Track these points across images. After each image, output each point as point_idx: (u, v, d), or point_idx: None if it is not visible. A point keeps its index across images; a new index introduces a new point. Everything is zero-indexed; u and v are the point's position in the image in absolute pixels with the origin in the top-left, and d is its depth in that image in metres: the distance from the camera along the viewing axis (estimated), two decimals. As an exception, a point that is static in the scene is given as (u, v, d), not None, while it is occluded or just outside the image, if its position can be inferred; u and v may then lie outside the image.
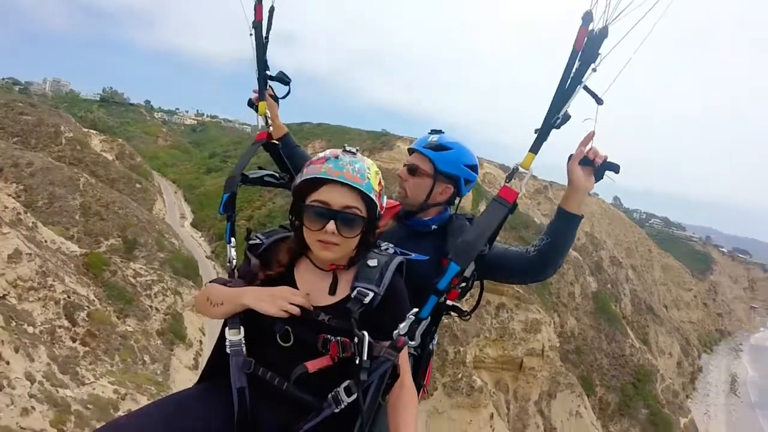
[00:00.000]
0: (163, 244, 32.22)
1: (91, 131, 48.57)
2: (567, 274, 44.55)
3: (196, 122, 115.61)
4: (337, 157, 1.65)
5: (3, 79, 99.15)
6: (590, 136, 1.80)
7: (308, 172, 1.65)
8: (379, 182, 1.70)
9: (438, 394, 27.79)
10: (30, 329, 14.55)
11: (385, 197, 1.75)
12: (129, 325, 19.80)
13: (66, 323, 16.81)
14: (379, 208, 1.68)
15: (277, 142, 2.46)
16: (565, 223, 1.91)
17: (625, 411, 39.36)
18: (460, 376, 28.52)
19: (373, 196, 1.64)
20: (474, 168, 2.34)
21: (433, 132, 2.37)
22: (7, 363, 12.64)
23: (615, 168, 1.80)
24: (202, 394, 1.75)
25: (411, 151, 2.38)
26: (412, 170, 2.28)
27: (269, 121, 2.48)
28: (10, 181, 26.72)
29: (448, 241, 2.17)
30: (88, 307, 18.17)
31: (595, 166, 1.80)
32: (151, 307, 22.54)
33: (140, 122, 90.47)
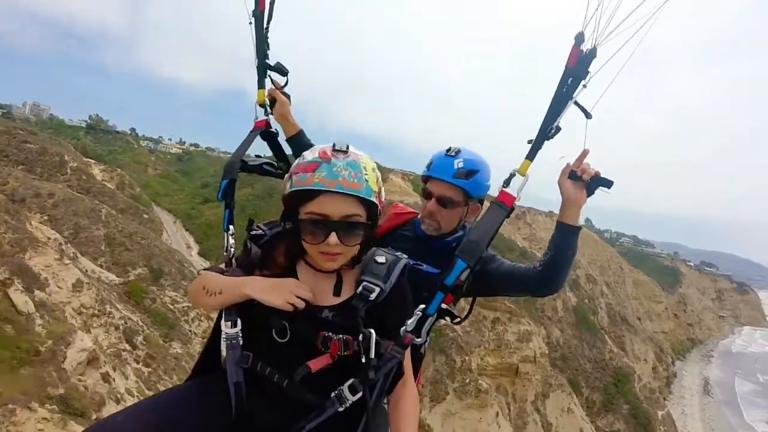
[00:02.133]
0: (184, 273, 35.42)
1: (91, 161, 48.26)
2: (549, 291, 51.01)
3: (181, 151, 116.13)
4: (329, 162, 1.53)
5: None
6: (584, 154, 1.89)
7: (300, 182, 1.54)
8: (377, 179, 1.60)
9: (450, 398, 33.02)
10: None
11: (383, 190, 1.65)
12: (176, 348, 21.24)
13: (128, 347, 18.30)
14: (379, 206, 1.61)
15: (275, 131, 2.48)
16: (562, 235, 1.98)
17: (609, 407, 44.97)
18: (468, 381, 33.91)
19: (373, 198, 1.55)
20: (490, 174, 2.33)
21: (452, 153, 2.26)
22: (114, 380, 16.25)
23: (607, 184, 1.87)
24: (196, 390, 1.68)
25: (428, 178, 2.29)
26: (445, 202, 2.22)
27: (268, 110, 2.47)
28: (34, 211, 26.64)
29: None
30: (142, 331, 19.64)
31: (584, 181, 1.88)
32: (190, 331, 24.45)
33: (128, 151, 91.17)
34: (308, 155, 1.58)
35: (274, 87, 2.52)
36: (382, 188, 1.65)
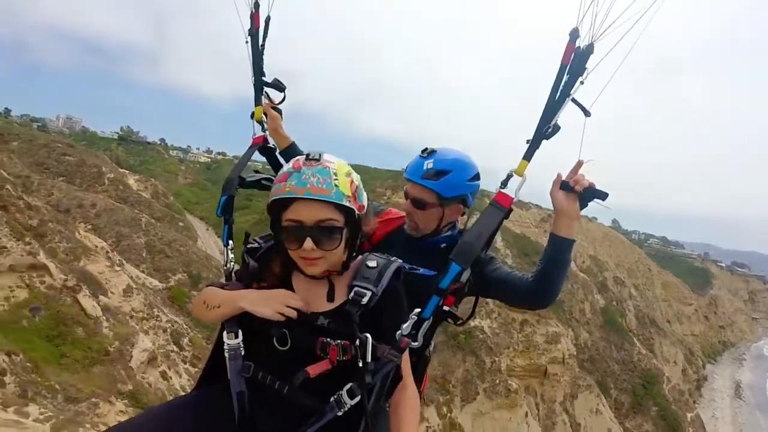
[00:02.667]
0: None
1: (126, 171, 50.15)
2: (577, 293, 51.78)
3: (209, 160, 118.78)
4: (299, 171, 1.61)
5: (20, 116, 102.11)
6: (578, 165, 1.88)
7: (274, 192, 1.64)
8: (352, 182, 1.64)
9: (480, 398, 34.20)
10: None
11: (363, 195, 1.70)
12: (219, 350, 24.66)
13: (175, 348, 19.50)
14: (356, 209, 1.64)
15: (272, 146, 2.54)
16: (554, 247, 1.98)
17: (637, 409, 45.57)
18: (497, 381, 35.07)
19: (345, 202, 1.59)
20: (476, 176, 2.30)
21: (425, 154, 2.28)
22: (170, 378, 17.26)
23: (602, 196, 1.86)
24: (200, 400, 1.75)
25: (406, 179, 2.30)
26: (417, 204, 2.24)
27: (265, 126, 2.54)
28: (78, 221, 27.32)
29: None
30: (187, 333, 20.80)
31: (577, 192, 1.88)
32: (230, 333, 28.32)
33: (159, 160, 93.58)
34: (285, 167, 1.69)
35: (266, 103, 2.60)
36: (362, 192, 1.69)
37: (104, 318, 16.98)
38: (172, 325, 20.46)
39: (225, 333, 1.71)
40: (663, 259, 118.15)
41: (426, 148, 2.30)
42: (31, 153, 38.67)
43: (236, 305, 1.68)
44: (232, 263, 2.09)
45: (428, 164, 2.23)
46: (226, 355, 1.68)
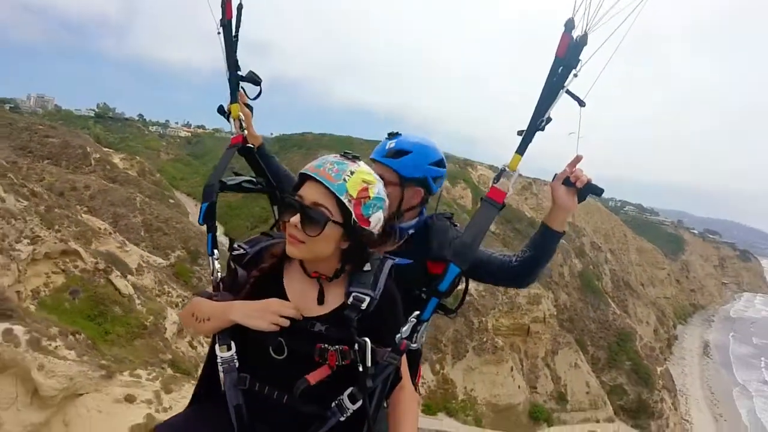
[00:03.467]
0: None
1: (110, 150, 48.36)
2: (557, 258, 55.17)
3: (189, 134, 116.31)
4: (326, 157, 1.65)
5: None
6: (577, 159, 1.91)
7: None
8: (364, 189, 1.61)
9: (470, 355, 37.29)
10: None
11: (374, 212, 1.64)
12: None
13: None
14: (354, 213, 1.59)
15: (252, 146, 2.44)
16: (547, 238, 2.04)
17: (612, 364, 49.56)
18: (485, 339, 38.19)
19: (344, 198, 1.57)
20: (440, 163, 2.35)
21: (390, 136, 2.34)
22: (197, 347, 18.83)
23: (598, 191, 1.91)
24: (197, 416, 1.75)
25: (372, 160, 2.31)
26: None
27: (243, 125, 2.43)
28: (74, 203, 26.82)
29: (432, 243, 2.25)
30: None
31: (576, 187, 1.90)
32: (234, 305, 29.82)
33: (139, 137, 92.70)
34: None
35: (243, 96, 2.49)
36: (373, 208, 1.63)
37: (135, 296, 18.80)
38: (183, 300, 21.59)
39: (217, 345, 1.70)
40: (638, 225, 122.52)
41: (392, 132, 2.37)
42: (13, 137, 37.33)
43: (227, 318, 1.65)
44: (218, 273, 1.98)
45: (390, 144, 2.30)
46: (220, 368, 1.67)
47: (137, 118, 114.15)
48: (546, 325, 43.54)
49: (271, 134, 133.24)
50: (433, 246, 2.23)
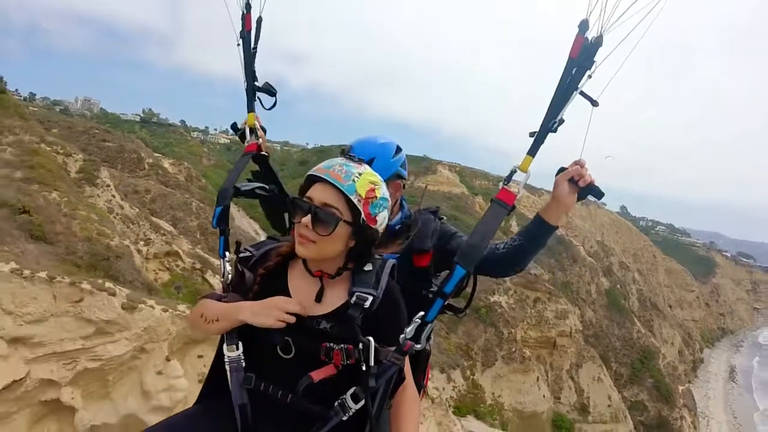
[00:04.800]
0: None
1: (160, 155, 49.61)
2: (584, 276, 58.46)
3: (229, 141, 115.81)
4: (334, 159, 1.75)
5: (41, 98, 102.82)
6: (584, 162, 1.94)
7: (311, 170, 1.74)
8: (372, 190, 1.70)
9: (499, 363, 40.47)
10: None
11: (380, 212, 1.74)
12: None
13: None
14: (363, 213, 1.67)
15: (266, 154, 2.49)
16: (540, 230, 2.08)
17: (635, 380, 52.29)
18: (513, 350, 41.44)
19: (353, 198, 1.64)
20: (398, 150, 2.52)
21: (344, 152, 2.21)
22: None
23: (598, 194, 1.94)
24: (203, 414, 1.82)
25: None
26: None
27: (258, 133, 2.49)
28: (135, 207, 28.77)
29: (412, 235, 2.38)
30: None
31: (579, 186, 1.94)
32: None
33: (182, 143, 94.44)
34: None
35: (257, 118, 2.54)
36: (380, 207, 1.73)
37: (226, 294, 22.65)
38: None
39: (225, 345, 1.76)
40: (668, 246, 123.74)
41: (343, 148, 2.27)
42: (72, 140, 36.83)
43: (236, 318, 1.72)
44: (229, 275, 2.02)
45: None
46: (227, 367, 1.73)
47: (179, 124, 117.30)
48: (572, 340, 46.73)
49: (307, 144, 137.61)
50: (416, 239, 2.35)
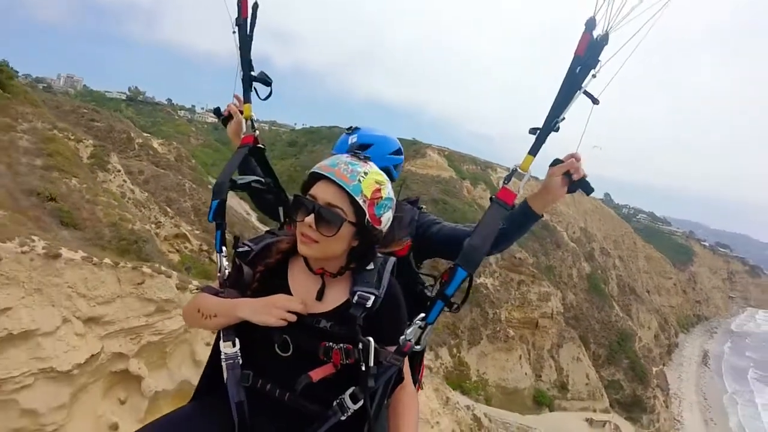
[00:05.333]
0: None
1: (149, 135, 49.15)
2: (567, 260, 60.94)
3: (216, 120, 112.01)
4: (339, 157, 1.71)
5: (24, 75, 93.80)
6: (580, 155, 1.91)
7: (314, 168, 1.70)
8: (378, 190, 1.67)
9: (484, 342, 42.64)
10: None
11: (385, 212, 1.72)
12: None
13: None
14: (368, 214, 1.65)
15: (262, 147, 2.46)
16: (525, 217, 2.10)
17: (612, 361, 54.96)
18: (498, 329, 43.61)
19: (359, 199, 1.62)
20: (399, 151, 2.56)
21: (350, 130, 2.53)
22: None
23: (588, 189, 1.93)
24: (198, 411, 1.77)
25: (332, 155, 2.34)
26: None
27: (254, 125, 2.47)
28: (144, 191, 28.00)
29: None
30: None
31: (572, 179, 1.92)
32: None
33: (170, 122, 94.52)
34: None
35: (236, 105, 2.51)
36: (385, 208, 1.71)
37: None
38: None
39: (222, 342, 1.73)
40: (649, 234, 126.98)
41: (350, 126, 2.54)
42: (60, 119, 34.24)
43: (235, 314, 1.69)
44: (226, 269, 2.01)
45: (352, 139, 2.47)
46: (224, 364, 1.69)
47: (166, 103, 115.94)
48: (553, 321, 49.18)
49: (294, 124, 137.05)
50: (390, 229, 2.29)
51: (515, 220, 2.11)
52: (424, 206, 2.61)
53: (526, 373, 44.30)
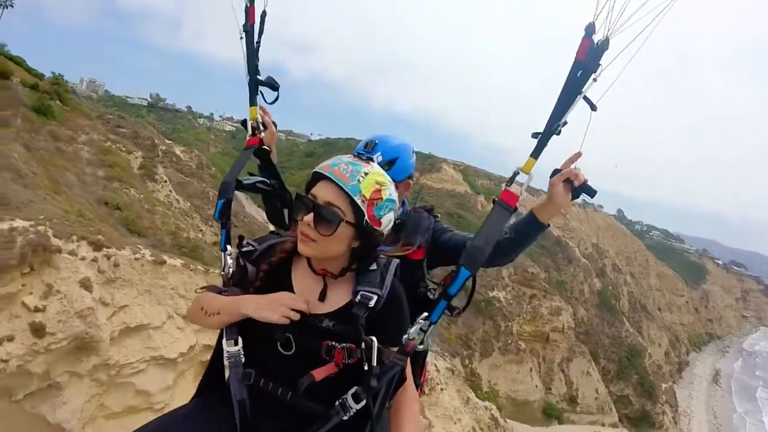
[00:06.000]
0: None
1: (171, 142, 48.38)
2: (578, 276, 62.24)
3: (234, 128, 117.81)
4: (340, 157, 1.71)
5: (48, 79, 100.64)
6: (576, 156, 1.96)
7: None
8: (378, 191, 1.67)
9: (495, 354, 43.75)
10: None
11: (386, 214, 1.70)
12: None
13: None
14: (367, 214, 1.64)
15: (267, 148, 2.49)
16: (532, 227, 2.17)
17: (621, 376, 56.09)
18: (509, 342, 44.79)
19: (357, 199, 1.62)
20: (413, 152, 2.63)
21: (370, 148, 2.51)
22: None
23: (591, 192, 1.97)
24: (200, 409, 1.80)
25: None
26: None
27: (261, 127, 2.50)
28: (187, 200, 28.96)
29: (406, 231, 2.49)
30: None
31: (573, 186, 1.98)
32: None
33: (189, 129, 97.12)
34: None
35: (266, 113, 2.56)
36: (385, 209, 1.69)
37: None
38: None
39: (224, 340, 1.74)
40: (662, 251, 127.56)
41: (367, 142, 2.54)
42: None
43: (238, 311, 1.70)
44: (231, 268, 2.04)
45: (377, 157, 2.45)
46: (226, 363, 1.71)
47: (186, 110, 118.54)
48: (564, 335, 50.48)
49: (311, 134, 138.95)
50: (406, 235, 2.45)
51: (522, 231, 2.21)
52: (438, 215, 2.70)
53: (536, 386, 45.40)
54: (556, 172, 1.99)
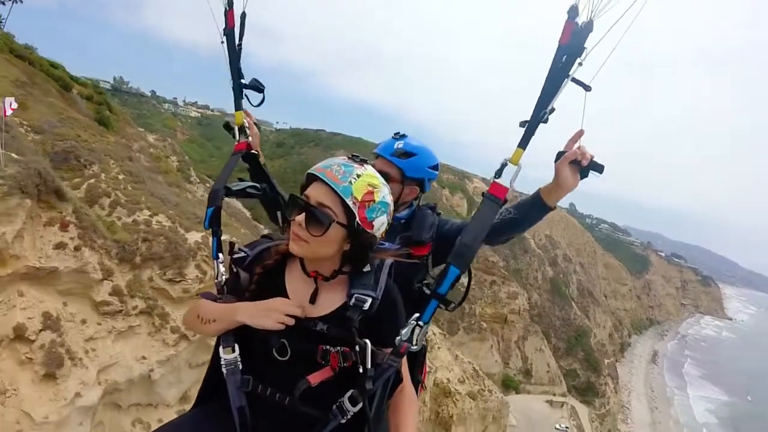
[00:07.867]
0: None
1: (142, 129, 45.56)
2: (533, 264, 69.33)
3: (200, 114, 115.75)
4: (334, 159, 1.69)
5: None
6: (579, 134, 1.86)
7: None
8: (370, 192, 1.64)
9: (461, 333, 49.40)
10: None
11: (378, 217, 1.67)
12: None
13: None
14: (358, 216, 1.62)
15: (255, 152, 2.47)
16: (537, 209, 2.13)
17: (569, 353, 63.57)
18: (473, 322, 50.49)
19: (348, 200, 1.59)
20: (436, 167, 2.62)
21: (397, 136, 2.60)
22: None
23: (599, 168, 1.88)
24: (200, 418, 1.79)
25: (376, 155, 2.59)
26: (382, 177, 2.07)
27: (247, 131, 2.45)
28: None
29: (412, 228, 2.50)
30: None
31: (581, 165, 1.87)
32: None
33: (155, 114, 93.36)
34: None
35: (249, 116, 2.49)
36: (377, 212, 1.66)
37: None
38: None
39: (221, 348, 1.73)
40: (610, 243, 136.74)
41: (398, 132, 2.62)
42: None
43: (233, 319, 1.69)
44: (223, 276, 2.00)
45: (399, 144, 2.52)
46: (224, 370, 1.70)
47: (150, 95, 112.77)
48: (520, 317, 57.19)
49: (276, 123, 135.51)
50: (414, 231, 2.47)
51: (526, 212, 2.19)
52: (441, 212, 2.73)
53: (496, 361, 51.58)
54: (560, 155, 1.90)
